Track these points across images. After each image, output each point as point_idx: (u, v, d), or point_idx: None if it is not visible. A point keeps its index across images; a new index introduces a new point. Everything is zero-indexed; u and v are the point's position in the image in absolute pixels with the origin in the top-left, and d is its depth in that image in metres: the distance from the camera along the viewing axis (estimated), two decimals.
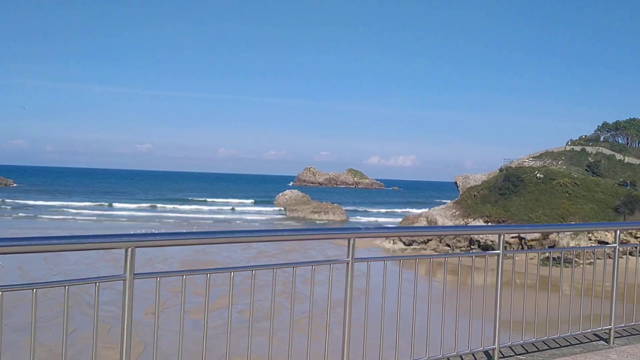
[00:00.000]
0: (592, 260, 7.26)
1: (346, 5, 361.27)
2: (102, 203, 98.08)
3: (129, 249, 3.84)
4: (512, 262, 6.34)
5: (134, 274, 3.89)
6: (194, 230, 4.33)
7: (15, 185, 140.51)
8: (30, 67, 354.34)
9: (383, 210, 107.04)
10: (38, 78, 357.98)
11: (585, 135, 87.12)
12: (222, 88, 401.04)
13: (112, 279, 3.92)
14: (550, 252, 6.78)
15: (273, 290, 4.67)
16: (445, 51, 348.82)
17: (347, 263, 4.90)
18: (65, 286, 3.69)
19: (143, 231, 57.82)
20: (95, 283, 3.83)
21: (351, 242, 4.94)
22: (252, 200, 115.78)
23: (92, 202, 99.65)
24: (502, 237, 6.08)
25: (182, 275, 4.26)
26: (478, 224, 55.18)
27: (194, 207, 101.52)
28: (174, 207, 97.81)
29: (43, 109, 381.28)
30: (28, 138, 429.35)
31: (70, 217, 73.71)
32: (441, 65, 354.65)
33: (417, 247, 55.41)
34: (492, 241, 52.67)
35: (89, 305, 22.76)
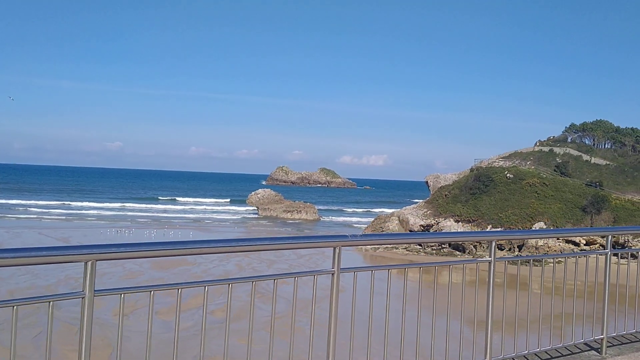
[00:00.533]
0: (562, 260, 7.06)
1: (322, 7, 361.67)
2: (71, 202, 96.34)
3: (89, 263, 3.42)
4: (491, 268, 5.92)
5: (94, 290, 3.48)
6: (162, 241, 3.69)
7: None
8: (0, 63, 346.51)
9: (359, 210, 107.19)
10: (6, 74, 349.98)
11: (554, 136, 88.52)
12: (193, 86, 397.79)
13: (68, 297, 3.49)
14: (543, 259, 6.45)
15: (252, 303, 4.31)
16: (417, 52, 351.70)
17: (333, 274, 4.54)
18: (13, 306, 3.24)
19: (113, 231, 57.02)
20: (49, 302, 3.38)
21: (337, 250, 4.55)
22: (229, 200, 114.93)
23: (60, 200, 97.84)
24: (493, 243, 5.74)
25: (150, 292, 3.83)
26: (449, 223, 55.69)
27: (165, 206, 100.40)
28: (144, 206, 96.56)
29: (10, 106, 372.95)
30: None
31: (35, 216, 72.19)
32: (413, 66, 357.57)
33: (389, 246, 55.67)
34: (462, 241, 53.25)
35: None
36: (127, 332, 16.87)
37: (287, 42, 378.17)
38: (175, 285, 3.91)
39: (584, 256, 6.66)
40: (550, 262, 6.61)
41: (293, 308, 4.48)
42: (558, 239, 51.63)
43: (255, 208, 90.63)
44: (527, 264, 6.41)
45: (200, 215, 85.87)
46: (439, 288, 5.60)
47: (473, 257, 47.10)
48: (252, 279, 4.26)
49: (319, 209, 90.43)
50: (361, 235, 4.80)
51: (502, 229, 53.04)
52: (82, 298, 3.44)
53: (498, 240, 5.86)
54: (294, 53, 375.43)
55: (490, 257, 5.70)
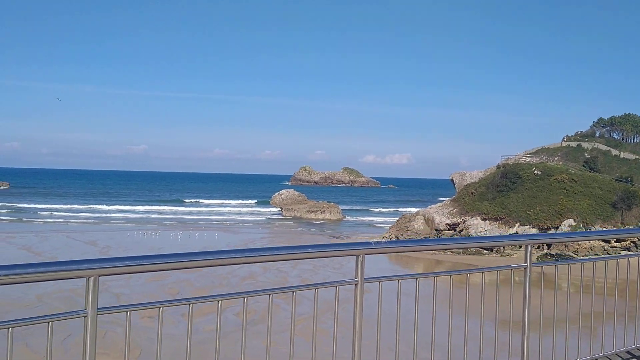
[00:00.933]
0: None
1: (339, 6, 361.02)
2: (97, 205, 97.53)
3: (91, 279, 3.16)
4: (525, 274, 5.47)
5: (98, 308, 3.21)
6: (172, 253, 3.38)
7: (9, 187, 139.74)
8: (24, 69, 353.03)
9: (383, 210, 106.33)
10: (32, 80, 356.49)
11: (581, 131, 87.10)
12: (217, 88, 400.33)
13: (69, 316, 3.21)
14: (582, 263, 5.84)
15: (269, 318, 4.01)
16: (440, 50, 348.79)
17: (356, 284, 4.24)
18: (8, 328, 2.97)
19: (140, 233, 57.48)
20: (48, 323, 3.11)
21: (360, 259, 4.23)
22: (255, 201, 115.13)
23: (87, 204, 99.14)
24: (529, 247, 5.29)
25: (159, 308, 3.54)
26: (475, 221, 54.95)
27: (190, 208, 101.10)
28: (169, 209, 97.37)
29: (37, 111, 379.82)
30: (23, 140, 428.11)
31: (62, 220, 73.12)
32: (436, 64, 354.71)
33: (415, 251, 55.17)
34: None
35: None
36: (148, 332, 16.80)
37: (306, 41, 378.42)
38: (185, 300, 3.63)
39: (626, 259, 6.19)
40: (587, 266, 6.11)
41: (314, 320, 4.18)
42: None
43: (279, 209, 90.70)
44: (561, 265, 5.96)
45: (225, 217, 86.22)
46: (469, 288, 5.22)
47: (501, 256, 46.34)
48: (269, 291, 4.00)
49: (342, 209, 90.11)
50: (385, 242, 4.46)
51: (537, 232, 52.20)
52: (84, 317, 3.18)
53: (534, 244, 5.42)
54: (314, 53, 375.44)
55: (525, 262, 5.28)
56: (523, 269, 5.26)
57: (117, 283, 29.00)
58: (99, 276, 3.19)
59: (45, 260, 39.32)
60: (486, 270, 5.17)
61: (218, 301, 3.78)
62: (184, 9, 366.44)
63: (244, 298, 3.90)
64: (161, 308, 3.54)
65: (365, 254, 4.24)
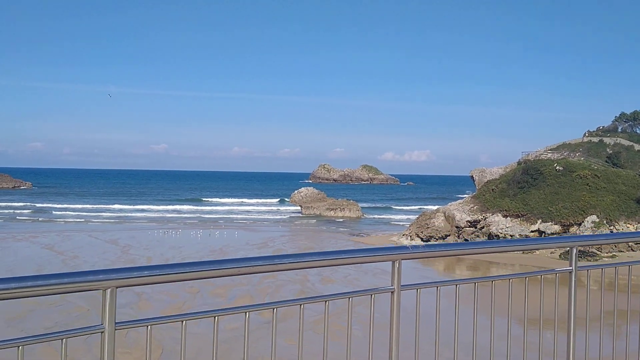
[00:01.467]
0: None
1: (355, 4, 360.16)
2: (119, 205, 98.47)
3: (108, 291, 2.93)
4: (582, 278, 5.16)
5: (116, 323, 2.98)
6: (194, 261, 3.14)
7: (33, 187, 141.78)
8: (45, 70, 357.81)
9: (403, 207, 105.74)
10: (53, 81, 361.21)
11: (603, 126, 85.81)
12: (235, 87, 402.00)
13: (85, 332, 2.96)
14: (630, 266, 5.48)
15: (300, 330, 3.75)
16: (458, 46, 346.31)
17: (393, 292, 3.98)
18: (18, 346, 2.75)
19: (160, 232, 57.91)
20: (62, 339, 2.89)
21: (396, 265, 3.97)
22: (277, 200, 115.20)
23: (108, 203, 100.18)
24: (574, 250, 4.98)
25: (182, 321, 3.26)
26: (496, 218, 54.41)
27: (210, 207, 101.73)
28: (190, 208, 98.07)
29: (59, 112, 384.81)
30: (46, 140, 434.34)
31: (84, 220, 73.92)
32: (455, 61, 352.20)
33: (435, 242, 54.81)
34: (511, 236, 51.98)
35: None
36: (169, 330, 16.89)
37: (324, 39, 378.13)
38: (211, 312, 3.37)
39: None
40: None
41: (348, 330, 3.91)
42: (612, 231, 49.80)
43: (299, 207, 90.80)
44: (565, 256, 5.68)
45: (245, 216, 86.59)
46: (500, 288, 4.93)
47: (523, 252, 45.80)
48: (299, 301, 3.71)
49: (362, 207, 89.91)
50: (423, 246, 4.19)
51: (560, 229, 51.50)
52: (102, 332, 2.95)
53: (580, 247, 5.08)
54: (333, 50, 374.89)
55: (570, 266, 4.96)
56: (568, 273, 4.95)
57: None
58: (117, 288, 2.96)
59: (67, 258, 39.83)
60: (529, 275, 4.84)
61: (245, 312, 3.50)
62: (201, 8, 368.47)
63: (274, 309, 3.62)
64: (184, 322, 3.28)
65: (402, 259, 4.01)
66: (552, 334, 4.80)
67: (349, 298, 3.90)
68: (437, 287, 4.28)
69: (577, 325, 4.96)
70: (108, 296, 2.94)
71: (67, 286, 2.88)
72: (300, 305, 3.70)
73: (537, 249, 42.72)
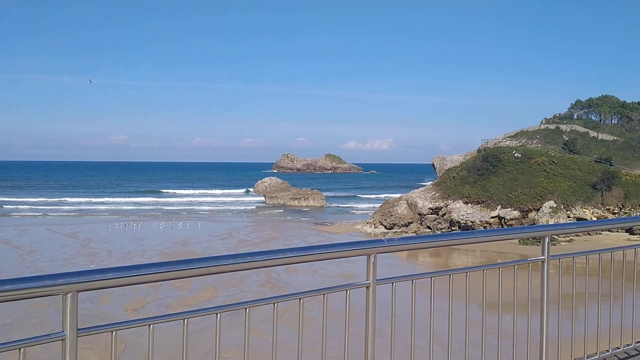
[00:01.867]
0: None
1: None
2: (78, 198, 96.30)
3: (68, 295, 2.74)
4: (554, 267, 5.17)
5: (78, 329, 2.80)
6: (162, 262, 2.98)
7: None
8: (6, 61, 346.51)
9: (366, 196, 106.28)
10: (5, 71, 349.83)
11: (559, 113, 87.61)
12: (196, 76, 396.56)
13: (44, 340, 2.77)
14: (600, 254, 5.55)
15: (274, 327, 3.62)
16: (418, 33, 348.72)
17: (368, 287, 3.90)
18: None
19: (121, 225, 56.90)
20: (19, 349, 2.68)
21: (371, 259, 3.89)
22: (240, 190, 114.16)
23: (67, 196, 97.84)
24: (547, 239, 4.97)
25: (149, 325, 3.11)
26: (457, 205, 55.25)
27: (173, 199, 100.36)
28: (151, 200, 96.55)
29: (12, 103, 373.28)
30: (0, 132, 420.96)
31: (41, 214, 72.10)
32: (414, 47, 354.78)
33: (399, 230, 55.37)
34: (472, 222, 52.86)
35: None
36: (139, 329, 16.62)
37: (290, 25, 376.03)
38: (179, 315, 3.22)
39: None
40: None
41: (324, 329, 3.84)
42: (569, 216, 51.13)
43: (263, 197, 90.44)
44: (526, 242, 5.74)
45: (208, 207, 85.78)
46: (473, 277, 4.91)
47: None
48: (273, 299, 3.58)
49: (326, 196, 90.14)
50: (398, 239, 4.11)
51: (519, 214, 52.52)
52: (62, 340, 2.76)
53: (552, 235, 5.10)
54: (297, 37, 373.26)
55: (543, 255, 4.95)
56: (540, 262, 4.96)
57: None
58: (78, 292, 2.78)
59: (24, 253, 38.79)
60: (503, 266, 4.84)
61: (217, 314, 3.35)
62: None
63: (246, 309, 3.49)
64: (151, 325, 3.11)
65: (378, 253, 3.93)
66: (525, 321, 4.85)
67: (324, 295, 3.82)
68: (413, 280, 4.23)
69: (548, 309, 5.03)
70: (69, 301, 2.76)
71: (24, 292, 2.67)
72: (274, 303, 3.58)
73: (512, 239, 43.35)
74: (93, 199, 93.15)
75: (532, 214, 52.22)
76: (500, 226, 52.58)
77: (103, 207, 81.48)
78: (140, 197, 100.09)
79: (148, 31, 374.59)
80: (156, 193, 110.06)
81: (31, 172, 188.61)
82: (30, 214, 71.59)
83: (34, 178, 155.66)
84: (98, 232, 51.42)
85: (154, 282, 3.12)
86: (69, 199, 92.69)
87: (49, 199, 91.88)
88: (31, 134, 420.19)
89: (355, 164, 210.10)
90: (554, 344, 5.13)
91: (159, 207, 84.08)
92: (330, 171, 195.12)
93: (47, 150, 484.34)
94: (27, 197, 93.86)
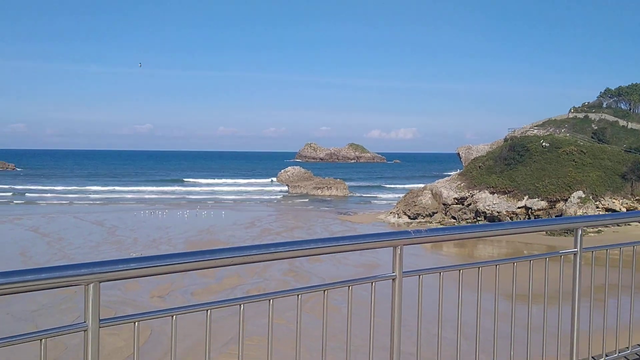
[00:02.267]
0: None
1: None
2: (104, 187, 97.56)
3: (91, 286, 2.71)
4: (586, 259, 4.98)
5: (100, 320, 2.76)
6: (186, 251, 2.91)
7: (16, 169, 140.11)
8: (24, 48, 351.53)
9: (390, 185, 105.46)
10: (34, 59, 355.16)
11: (588, 102, 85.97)
12: (220, 65, 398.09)
13: (66, 331, 2.75)
14: (634, 246, 5.32)
15: (298, 318, 3.51)
16: (443, 20, 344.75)
17: (394, 279, 3.83)
18: None
19: (147, 213, 57.46)
20: (40, 340, 2.65)
21: (398, 251, 3.81)
22: (263, 180, 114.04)
23: (93, 185, 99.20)
24: (579, 231, 4.80)
25: (172, 316, 3.06)
26: (483, 195, 54.61)
27: (196, 188, 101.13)
28: (176, 189, 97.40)
29: (41, 92, 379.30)
30: (28, 121, 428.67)
31: (67, 202, 73.11)
32: (440, 36, 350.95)
33: (422, 220, 54.98)
34: (498, 212, 52.22)
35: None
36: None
37: (309, 13, 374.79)
38: (202, 305, 3.16)
39: None
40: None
41: (348, 321, 3.74)
42: (598, 207, 50.22)
43: (286, 186, 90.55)
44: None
45: (233, 196, 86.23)
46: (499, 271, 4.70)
47: None
48: (296, 291, 3.51)
49: (349, 185, 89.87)
50: (425, 231, 4.00)
51: (546, 205, 51.67)
52: (84, 331, 2.73)
53: (585, 227, 4.91)
54: (318, 24, 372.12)
55: (575, 247, 4.78)
56: (572, 255, 4.80)
57: None
58: (100, 282, 2.74)
59: (52, 240, 39.39)
60: (534, 258, 4.70)
61: (240, 305, 3.29)
62: None
63: (270, 300, 3.41)
64: (175, 316, 3.07)
65: (404, 245, 3.84)
66: (553, 313, 4.66)
67: (349, 287, 3.74)
68: (440, 272, 4.14)
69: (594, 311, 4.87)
70: (91, 292, 2.72)
71: (46, 282, 2.63)
72: (298, 295, 3.50)
73: (542, 231, 42.55)
74: (119, 188, 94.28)
75: (559, 205, 51.38)
76: (527, 217, 51.86)
77: (129, 196, 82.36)
78: (165, 186, 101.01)
79: (174, 21, 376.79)
80: (181, 182, 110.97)
81: (59, 161, 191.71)
82: (57, 202, 72.70)
83: (61, 167, 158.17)
84: (124, 220, 51.99)
85: (177, 272, 3.05)
86: (95, 187, 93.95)
87: (75, 187, 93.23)
88: (58, 123, 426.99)
89: (378, 153, 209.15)
90: (585, 337, 4.98)
91: (184, 195, 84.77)
92: (353, 160, 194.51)
93: (74, 138, 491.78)
94: (55, 186, 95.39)
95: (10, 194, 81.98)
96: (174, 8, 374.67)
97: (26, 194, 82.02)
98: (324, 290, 3.65)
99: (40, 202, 72.51)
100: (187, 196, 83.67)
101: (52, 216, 54.53)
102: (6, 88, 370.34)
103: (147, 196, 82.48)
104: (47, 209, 62.75)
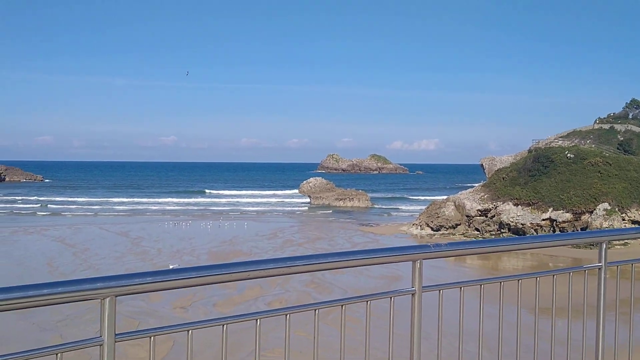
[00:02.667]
0: None
1: None
2: (128, 198, 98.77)
3: (107, 300, 2.70)
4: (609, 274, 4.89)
5: (116, 334, 2.74)
6: (203, 265, 2.92)
7: (44, 180, 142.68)
8: (54, 63, 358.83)
9: (412, 197, 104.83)
10: (60, 73, 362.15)
11: (614, 113, 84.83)
12: (242, 78, 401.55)
13: (82, 345, 2.73)
14: None
15: (315, 333, 3.47)
16: (466, 35, 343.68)
17: (413, 294, 3.77)
18: None
19: (171, 224, 58.03)
20: (56, 354, 2.64)
21: (417, 265, 3.76)
22: (284, 191, 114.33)
23: (118, 196, 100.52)
24: (604, 245, 4.67)
25: (188, 330, 3.04)
26: (507, 207, 54.07)
27: (219, 199, 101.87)
28: (200, 200, 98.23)
29: (67, 105, 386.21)
30: (55, 134, 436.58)
31: (92, 213, 74.13)
32: (463, 48, 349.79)
33: (445, 232, 54.59)
34: (522, 224, 51.66)
35: None
36: (179, 320, 16.80)
37: (331, 28, 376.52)
38: (219, 320, 3.13)
39: None
40: None
41: (366, 337, 3.75)
42: (624, 219, 49.38)
43: (308, 197, 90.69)
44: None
45: (255, 207, 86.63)
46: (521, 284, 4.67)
47: None
48: (314, 306, 3.47)
49: (371, 196, 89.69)
50: (446, 245, 3.94)
51: (571, 217, 50.90)
52: (100, 345, 2.71)
53: (610, 241, 4.79)
54: (341, 39, 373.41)
55: (600, 261, 4.67)
56: (597, 269, 4.70)
57: None
58: (116, 296, 2.72)
59: (78, 251, 39.98)
60: (557, 273, 4.61)
61: (256, 320, 3.27)
62: (209, 3, 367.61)
63: (286, 315, 3.36)
64: (190, 331, 3.05)
65: (424, 259, 3.79)
66: (577, 327, 4.63)
67: (367, 302, 3.69)
68: (461, 287, 4.06)
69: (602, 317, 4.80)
70: (107, 306, 2.71)
71: (62, 296, 2.61)
72: (315, 310, 3.47)
73: (565, 245, 41.86)
74: (144, 199, 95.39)
75: (585, 217, 50.63)
76: (551, 229, 51.16)
77: (154, 208, 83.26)
78: (189, 197, 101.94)
79: (200, 34, 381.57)
80: (204, 193, 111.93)
81: (86, 173, 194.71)
82: (82, 213, 73.78)
83: (88, 178, 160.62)
84: (148, 230, 52.56)
85: (192, 286, 3.05)
86: (120, 199, 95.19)
87: (102, 199, 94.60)
88: (84, 135, 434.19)
89: (401, 164, 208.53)
90: (610, 352, 4.89)
91: (207, 207, 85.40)
92: (375, 172, 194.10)
93: (100, 150, 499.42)
94: (81, 197, 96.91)
95: (38, 205, 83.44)
96: (201, 24, 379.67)
97: (53, 205, 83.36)
98: (342, 305, 3.59)
99: (66, 213, 73.61)
100: (211, 207, 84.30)
101: (78, 227, 55.38)
102: (34, 102, 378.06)
103: (171, 207, 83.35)
104: (73, 220, 63.72)
